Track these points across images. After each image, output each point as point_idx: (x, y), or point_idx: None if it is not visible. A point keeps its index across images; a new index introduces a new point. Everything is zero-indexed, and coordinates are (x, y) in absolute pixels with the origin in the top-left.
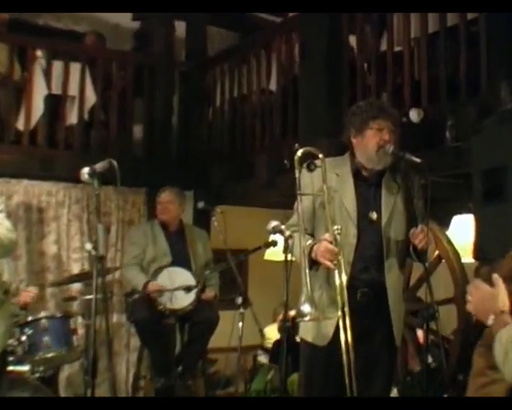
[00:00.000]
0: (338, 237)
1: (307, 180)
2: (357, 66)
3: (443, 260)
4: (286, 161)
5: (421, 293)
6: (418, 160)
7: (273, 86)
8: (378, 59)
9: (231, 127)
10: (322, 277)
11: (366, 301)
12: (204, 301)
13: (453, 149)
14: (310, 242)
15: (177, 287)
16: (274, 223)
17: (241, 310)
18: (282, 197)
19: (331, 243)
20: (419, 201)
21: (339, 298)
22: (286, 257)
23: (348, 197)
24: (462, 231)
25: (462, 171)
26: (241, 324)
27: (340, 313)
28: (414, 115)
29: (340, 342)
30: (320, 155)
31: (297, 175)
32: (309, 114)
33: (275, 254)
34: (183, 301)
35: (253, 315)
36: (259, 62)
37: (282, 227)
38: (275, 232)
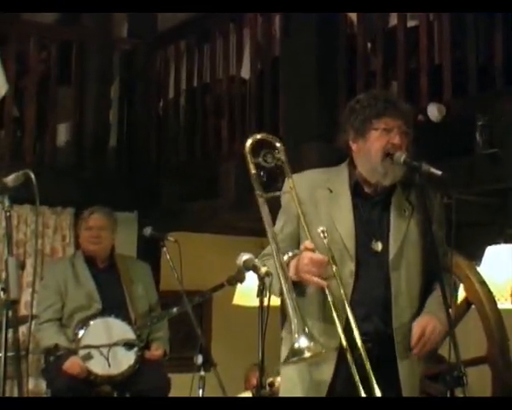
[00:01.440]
0: (325, 241)
1: (289, 196)
2: (359, 46)
3: (472, 306)
4: (262, 173)
5: (444, 350)
6: (439, 172)
7: (246, 73)
8: (386, 37)
9: (189, 128)
10: (312, 303)
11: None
12: (149, 362)
13: (486, 158)
14: (286, 257)
15: (111, 344)
16: (245, 256)
17: (202, 373)
18: (257, 221)
19: (314, 251)
20: (440, 227)
21: (338, 325)
22: (261, 302)
23: (344, 221)
24: (499, 266)
25: (499, 187)
26: (201, 391)
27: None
28: (433, 112)
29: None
30: (278, 144)
31: (252, 172)
32: (293, 111)
33: (246, 297)
34: (121, 363)
35: (218, 380)
36: (227, 41)
37: (257, 262)
38: (247, 269)
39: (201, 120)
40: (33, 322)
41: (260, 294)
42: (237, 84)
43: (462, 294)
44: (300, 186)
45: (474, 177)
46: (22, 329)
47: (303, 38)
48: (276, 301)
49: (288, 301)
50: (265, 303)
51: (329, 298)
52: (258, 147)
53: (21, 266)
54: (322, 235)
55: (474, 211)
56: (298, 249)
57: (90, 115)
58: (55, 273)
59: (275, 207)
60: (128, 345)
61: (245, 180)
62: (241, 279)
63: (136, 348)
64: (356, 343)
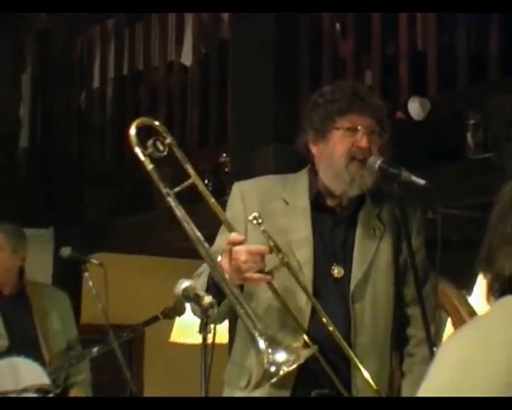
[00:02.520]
0: (261, 227)
1: (238, 206)
2: (325, 28)
3: None
4: (207, 181)
5: None
6: (422, 181)
7: (187, 59)
8: (358, 17)
9: (118, 124)
10: (267, 313)
11: None
12: None
13: (478, 164)
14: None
15: (19, 390)
16: (185, 283)
17: None
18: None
19: (241, 242)
20: (420, 250)
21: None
22: (204, 339)
23: (300, 239)
24: None
25: (493, 198)
26: None
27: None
28: (415, 108)
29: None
30: (164, 132)
31: (149, 167)
32: (245, 105)
33: (186, 333)
34: None
35: None
36: (165, 20)
37: (200, 292)
38: (187, 299)
39: (133, 115)
40: None
41: (203, 329)
42: (177, 72)
43: (449, 330)
44: (250, 195)
45: (463, 187)
46: None
47: (257, 17)
48: (223, 337)
49: (241, 313)
50: (210, 340)
51: (277, 291)
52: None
53: None
54: (255, 222)
55: (464, 228)
56: None
57: None
58: None
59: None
60: (41, 392)
61: (187, 188)
62: (180, 312)
63: (50, 396)
64: (308, 388)
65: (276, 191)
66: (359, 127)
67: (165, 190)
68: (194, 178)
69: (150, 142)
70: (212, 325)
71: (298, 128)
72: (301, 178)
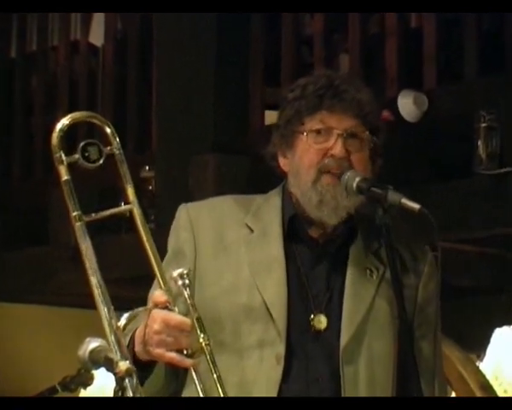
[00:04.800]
0: (185, 291)
1: (184, 235)
2: None
3: None
4: (123, 203)
5: None
6: (415, 205)
7: (97, 38)
8: None
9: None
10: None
11: None
12: None
13: (491, 181)
14: (122, 320)
15: None
16: (93, 343)
17: None
18: (119, 282)
19: (167, 306)
20: (430, 302)
21: None
22: None
23: (270, 279)
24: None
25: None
26: None
27: None
28: (407, 106)
29: None
30: (108, 129)
31: (64, 178)
32: (176, 105)
33: None
34: None
35: None
36: None
37: (113, 356)
38: (95, 364)
39: (22, 113)
40: None
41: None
42: (83, 56)
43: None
44: (202, 221)
45: (472, 213)
46: None
47: None
48: None
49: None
50: None
51: (199, 389)
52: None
53: None
54: (180, 282)
55: (472, 270)
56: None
57: None
58: None
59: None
60: None
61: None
62: (86, 381)
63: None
64: None
65: (238, 216)
66: (332, 129)
67: (74, 214)
68: (133, 205)
69: (81, 145)
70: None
71: (249, 134)
72: (272, 200)
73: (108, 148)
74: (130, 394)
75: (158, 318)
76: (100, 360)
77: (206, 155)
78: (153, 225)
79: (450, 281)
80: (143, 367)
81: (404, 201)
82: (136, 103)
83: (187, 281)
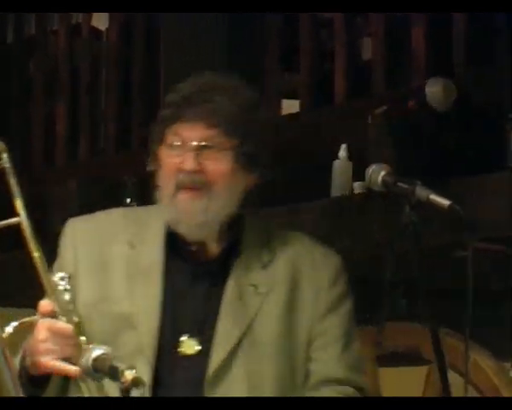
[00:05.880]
0: (66, 295)
1: (67, 253)
2: None
3: None
4: (129, 200)
5: None
6: (446, 201)
7: (101, 21)
8: None
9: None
10: None
11: None
12: None
13: None
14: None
15: None
16: (97, 351)
17: None
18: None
19: (54, 315)
20: (332, 308)
21: None
22: None
23: (144, 298)
24: None
25: None
26: None
27: None
28: (436, 94)
29: None
30: (2, 149)
31: None
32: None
33: None
34: None
35: None
36: None
37: (119, 364)
38: (100, 373)
39: (18, 101)
40: None
41: None
42: (86, 41)
43: None
44: (85, 237)
45: (502, 210)
46: None
47: None
48: None
49: None
50: None
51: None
52: None
53: None
54: (61, 286)
55: (503, 271)
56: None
57: None
58: None
59: None
60: None
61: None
62: None
63: None
64: None
65: (119, 231)
66: (188, 142)
67: None
68: (22, 218)
69: None
70: None
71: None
72: (155, 212)
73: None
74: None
75: (42, 326)
76: (104, 368)
77: None
78: None
79: (482, 284)
80: (38, 383)
81: (433, 197)
82: (142, 90)
83: (67, 285)
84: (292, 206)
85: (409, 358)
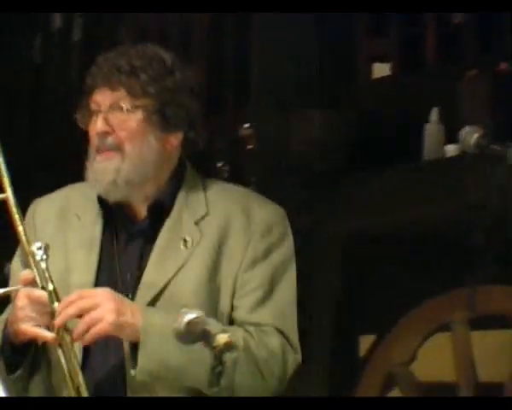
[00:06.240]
0: (43, 264)
1: (28, 230)
2: None
3: None
4: (221, 164)
5: None
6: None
7: None
8: None
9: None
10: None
11: None
12: None
13: None
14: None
15: None
16: (190, 315)
17: None
18: None
19: (34, 284)
20: (258, 260)
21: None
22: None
23: (82, 265)
24: None
25: None
26: None
27: None
28: None
29: None
30: None
31: None
32: (278, 54)
33: None
34: None
35: None
36: None
37: (211, 328)
38: (193, 337)
39: None
40: None
41: (216, 383)
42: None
43: None
44: (43, 216)
45: None
46: None
47: None
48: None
49: None
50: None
51: (62, 362)
52: None
53: None
54: (38, 256)
55: None
56: None
57: None
58: None
59: None
60: None
61: None
62: None
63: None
64: None
65: (72, 205)
66: (100, 106)
67: None
68: (8, 195)
69: None
70: (228, 378)
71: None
72: None
73: None
74: (227, 370)
75: (22, 295)
76: (197, 332)
77: (310, 111)
78: (253, 188)
79: None
80: (19, 350)
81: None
82: (232, 55)
83: (44, 255)
84: (384, 167)
85: (501, 321)
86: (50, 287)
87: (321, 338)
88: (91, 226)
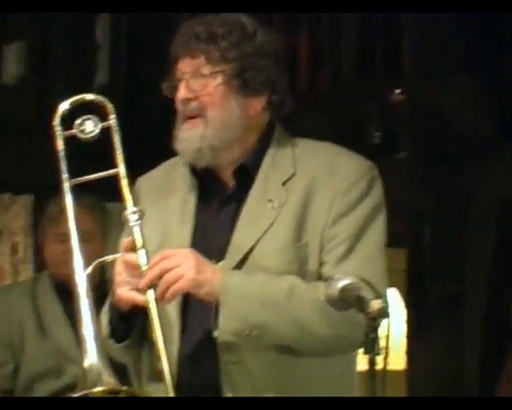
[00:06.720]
0: (136, 227)
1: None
2: None
3: None
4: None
5: None
6: None
7: None
8: None
9: None
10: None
11: None
12: None
13: None
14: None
15: None
16: (344, 281)
17: None
18: None
19: (133, 248)
20: (346, 212)
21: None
22: (372, 363)
23: (178, 236)
24: None
25: None
26: None
27: None
28: None
29: None
30: (109, 106)
31: (60, 148)
32: (429, 18)
33: None
34: None
35: None
36: None
37: (365, 294)
38: (347, 304)
39: None
40: None
41: (371, 348)
42: None
43: None
44: (143, 191)
45: None
46: None
47: None
48: (398, 361)
49: None
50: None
51: (154, 321)
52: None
53: None
54: (131, 217)
55: None
56: None
57: None
58: (0, 313)
59: None
60: None
61: None
62: None
63: None
64: None
65: (170, 178)
66: (183, 74)
67: (64, 176)
68: (121, 169)
69: (78, 121)
70: (383, 344)
71: None
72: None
73: (110, 122)
74: (380, 335)
75: (119, 260)
76: (351, 298)
77: (464, 77)
78: (405, 154)
79: None
80: (125, 319)
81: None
82: (383, 22)
83: (138, 219)
84: None
85: None
86: (143, 251)
87: (473, 305)
88: (186, 197)
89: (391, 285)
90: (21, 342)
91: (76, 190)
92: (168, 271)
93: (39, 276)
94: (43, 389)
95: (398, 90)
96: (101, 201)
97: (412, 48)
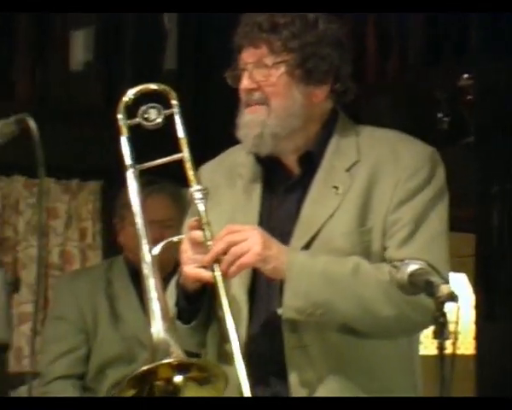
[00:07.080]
0: (201, 205)
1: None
2: None
3: None
4: (441, 115)
5: None
6: None
7: None
8: None
9: None
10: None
11: None
12: None
13: None
14: None
15: None
16: (413, 266)
17: None
18: None
19: (201, 227)
20: (408, 198)
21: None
22: (441, 348)
23: (240, 223)
24: None
25: None
26: None
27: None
28: None
29: None
30: (171, 94)
31: (124, 136)
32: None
33: None
34: None
35: None
36: None
37: (434, 279)
38: (416, 288)
39: None
40: (35, 383)
41: (440, 334)
42: None
43: None
44: (209, 178)
45: None
46: (16, 394)
47: None
48: (467, 346)
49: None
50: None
51: (222, 296)
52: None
53: (14, 285)
54: (195, 195)
55: None
56: None
57: None
58: (75, 297)
59: None
60: None
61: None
62: None
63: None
64: None
65: (237, 164)
66: (246, 65)
67: (130, 163)
68: (185, 153)
69: (142, 108)
70: (451, 328)
71: None
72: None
73: (172, 110)
74: (449, 320)
75: (185, 239)
76: (420, 283)
77: None
78: (472, 138)
79: None
80: (192, 299)
81: None
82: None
83: (202, 197)
84: None
85: None
86: (207, 228)
87: None
88: (251, 184)
89: (459, 271)
90: (95, 326)
91: (157, 177)
92: (235, 244)
93: (114, 260)
94: (115, 375)
95: (465, 75)
96: (181, 188)
97: (479, 33)
